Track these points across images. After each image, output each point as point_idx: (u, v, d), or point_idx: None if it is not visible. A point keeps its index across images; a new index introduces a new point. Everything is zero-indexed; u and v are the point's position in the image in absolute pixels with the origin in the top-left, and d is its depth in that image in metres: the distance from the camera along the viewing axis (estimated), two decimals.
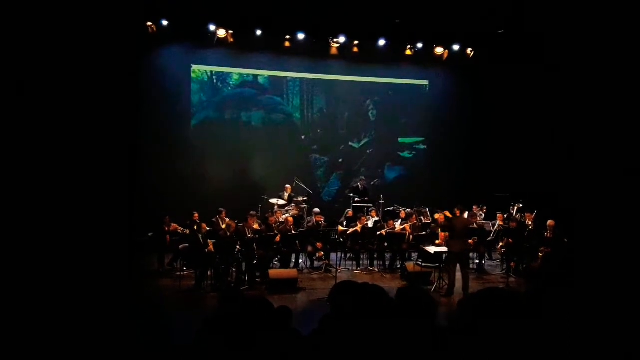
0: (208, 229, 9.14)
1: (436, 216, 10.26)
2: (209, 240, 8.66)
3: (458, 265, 8.37)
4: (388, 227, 10.22)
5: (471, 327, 2.43)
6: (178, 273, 9.05)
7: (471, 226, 9.09)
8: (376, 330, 2.49)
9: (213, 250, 8.52)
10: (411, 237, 10.05)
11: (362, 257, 10.42)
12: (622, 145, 8.10)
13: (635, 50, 7.81)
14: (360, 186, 12.19)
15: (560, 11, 9.27)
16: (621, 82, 8.20)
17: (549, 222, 9.26)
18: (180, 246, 9.12)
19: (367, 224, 10.26)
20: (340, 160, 13.47)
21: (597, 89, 8.93)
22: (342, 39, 12.56)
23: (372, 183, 12.31)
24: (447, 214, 9.96)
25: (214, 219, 9.84)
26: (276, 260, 9.60)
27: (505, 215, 10.64)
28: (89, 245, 5.39)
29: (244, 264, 8.81)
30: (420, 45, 12.94)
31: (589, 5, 8.59)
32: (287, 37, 12.37)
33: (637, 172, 7.48)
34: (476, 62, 13.23)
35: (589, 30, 8.80)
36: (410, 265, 9.31)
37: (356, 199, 11.94)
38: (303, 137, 13.29)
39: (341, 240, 10.11)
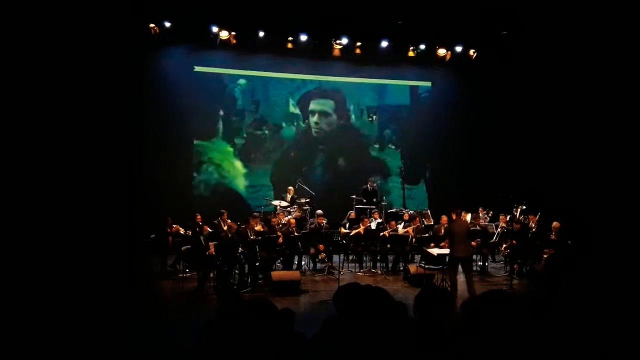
0: (210, 230, 9.14)
1: (443, 220, 10.26)
2: (210, 242, 8.65)
3: (460, 268, 8.28)
4: (390, 228, 10.20)
5: (474, 329, 2.42)
6: (180, 275, 9.04)
7: (472, 228, 8.99)
8: (379, 332, 2.47)
9: (214, 252, 8.51)
10: (414, 239, 10.03)
11: (364, 259, 10.40)
12: (625, 146, 8.07)
13: (636, 49, 7.79)
14: (369, 187, 12.17)
15: (561, 12, 9.25)
16: (623, 81, 8.18)
17: (554, 223, 9.21)
18: (183, 248, 9.12)
19: (369, 226, 10.24)
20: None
21: (601, 90, 8.91)
22: (344, 40, 12.56)
23: (375, 184, 12.27)
24: (444, 219, 9.96)
25: (215, 221, 9.84)
26: (279, 262, 9.59)
27: (509, 217, 10.61)
28: (90, 247, 5.40)
29: (246, 266, 8.80)
30: (422, 46, 12.93)
31: (589, 6, 8.58)
32: (290, 38, 12.37)
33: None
34: (479, 63, 13.22)
35: (591, 30, 8.79)
36: (413, 267, 9.28)
37: (364, 201, 11.93)
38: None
39: (344, 242, 10.09)
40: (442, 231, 9.63)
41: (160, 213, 9.95)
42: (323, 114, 13.42)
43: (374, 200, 11.96)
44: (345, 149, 13.54)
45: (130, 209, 7.00)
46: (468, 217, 9.24)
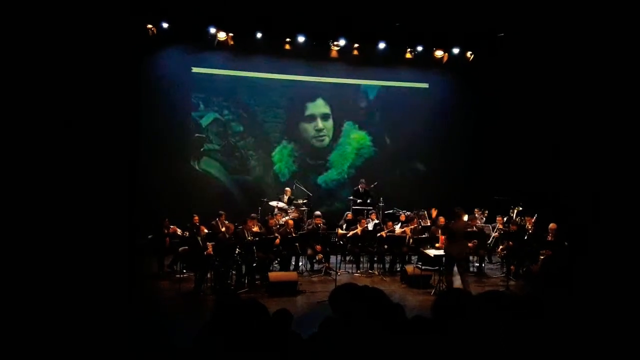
0: (207, 231, 9.14)
1: (441, 220, 10.27)
2: (207, 243, 8.65)
3: (455, 268, 8.32)
4: (387, 228, 10.21)
5: (471, 329, 2.43)
6: (177, 275, 9.03)
7: (469, 229, 9.05)
8: (376, 333, 2.48)
9: (212, 252, 8.51)
10: (411, 240, 10.04)
11: (362, 259, 10.41)
12: (621, 147, 8.09)
13: (635, 50, 7.80)
14: (360, 189, 12.19)
15: (558, 13, 9.28)
16: (622, 82, 8.19)
17: (551, 225, 9.22)
18: (180, 249, 9.12)
19: (367, 227, 10.25)
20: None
21: (598, 92, 8.92)
22: (342, 42, 12.56)
23: (371, 185, 12.29)
24: (442, 219, 9.96)
25: (213, 222, 9.84)
26: (276, 263, 9.59)
27: (505, 219, 10.64)
28: (89, 248, 5.39)
29: (243, 267, 8.80)
30: (420, 48, 12.94)
31: (586, 7, 8.60)
32: (287, 39, 12.38)
33: (638, 174, 7.47)
34: (476, 65, 13.24)
35: (589, 32, 8.80)
36: (410, 268, 9.29)
37: (358, 202, 11.94)
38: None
39: (341, 242, 10.10)
40: (440, 232, 9.65)
41: (157, 214, 9.94)
42: (324, 116, 13.42)
43: (367, 201, 11.98)
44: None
45: (130, 209, 6.99)
46: (465, 217, 9.25)
